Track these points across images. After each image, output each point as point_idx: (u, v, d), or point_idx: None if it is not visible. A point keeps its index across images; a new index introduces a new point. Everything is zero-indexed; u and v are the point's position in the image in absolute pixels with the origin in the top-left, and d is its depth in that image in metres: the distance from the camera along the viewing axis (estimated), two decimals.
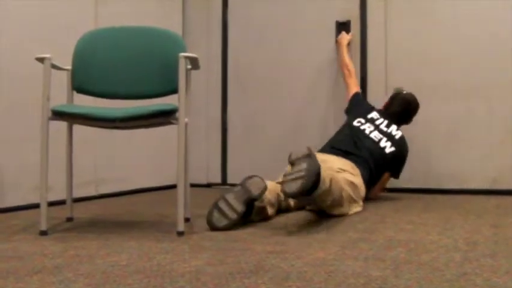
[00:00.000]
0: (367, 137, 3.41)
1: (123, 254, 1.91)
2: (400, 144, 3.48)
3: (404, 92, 3.71)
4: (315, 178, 2.30)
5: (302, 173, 2.25)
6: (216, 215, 2.37)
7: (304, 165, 2.27)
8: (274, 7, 4.46)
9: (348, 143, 3.37)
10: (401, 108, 3.64)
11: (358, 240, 2.17)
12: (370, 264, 1.74)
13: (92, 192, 3.61)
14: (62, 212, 2.72)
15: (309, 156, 2.33)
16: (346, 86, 3.94)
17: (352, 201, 2.91)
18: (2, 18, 2.99)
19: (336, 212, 2.74)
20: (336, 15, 4.24)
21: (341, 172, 2.99)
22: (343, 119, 3.75)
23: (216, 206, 2.39)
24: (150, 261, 1.80)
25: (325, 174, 2.44)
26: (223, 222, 2.37)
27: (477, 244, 2.08)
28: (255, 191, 2.45)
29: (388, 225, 2.55)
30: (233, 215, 2.38)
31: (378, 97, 4.02)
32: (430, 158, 4.03)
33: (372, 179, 3.30)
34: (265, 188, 2.50)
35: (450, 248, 2.00)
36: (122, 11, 3.81)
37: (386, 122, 3.52)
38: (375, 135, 3.44)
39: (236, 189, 2.44)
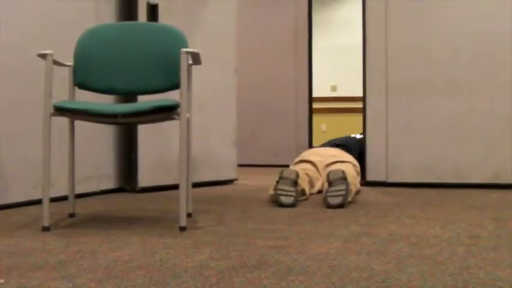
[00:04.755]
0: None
1: (125, 250, 1.91)
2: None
3: None
4: (349, 197, 3.04)
5: (342, 192, 2.95)
6: (282, 197, 2.97)
7: (343, 186, 2.97)
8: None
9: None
10: None
11: (360, 234, 2.17)
12: (373, 259, 1.75)
13: (93, 188, 3.61)
14: (64, 208, 2.72)
15: (345, 179, 3.01)
16: None
17: (355, 180, 3.48)
18: (4, 15, 2.98)
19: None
20: None
21: (341, 163, 3.60)
22: None
23: (277, 194, 2.99)
24: (152, 257, 1.80)
25: (353, 187, 3.17)
26: (289, 200, 2.97)
27: (480, 238, 2.09)
28: (292, 176, 3.06)
29: (390, 219, 2.55)
30: (293, 193, 2.99)
31: (378, 93, 4.01)
32: (432, 153, 4.03)
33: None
34: (297, 173, 3.10)
35: (453, 242, 2.01)
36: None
37: None
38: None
39: (280, 180, 3.04)
